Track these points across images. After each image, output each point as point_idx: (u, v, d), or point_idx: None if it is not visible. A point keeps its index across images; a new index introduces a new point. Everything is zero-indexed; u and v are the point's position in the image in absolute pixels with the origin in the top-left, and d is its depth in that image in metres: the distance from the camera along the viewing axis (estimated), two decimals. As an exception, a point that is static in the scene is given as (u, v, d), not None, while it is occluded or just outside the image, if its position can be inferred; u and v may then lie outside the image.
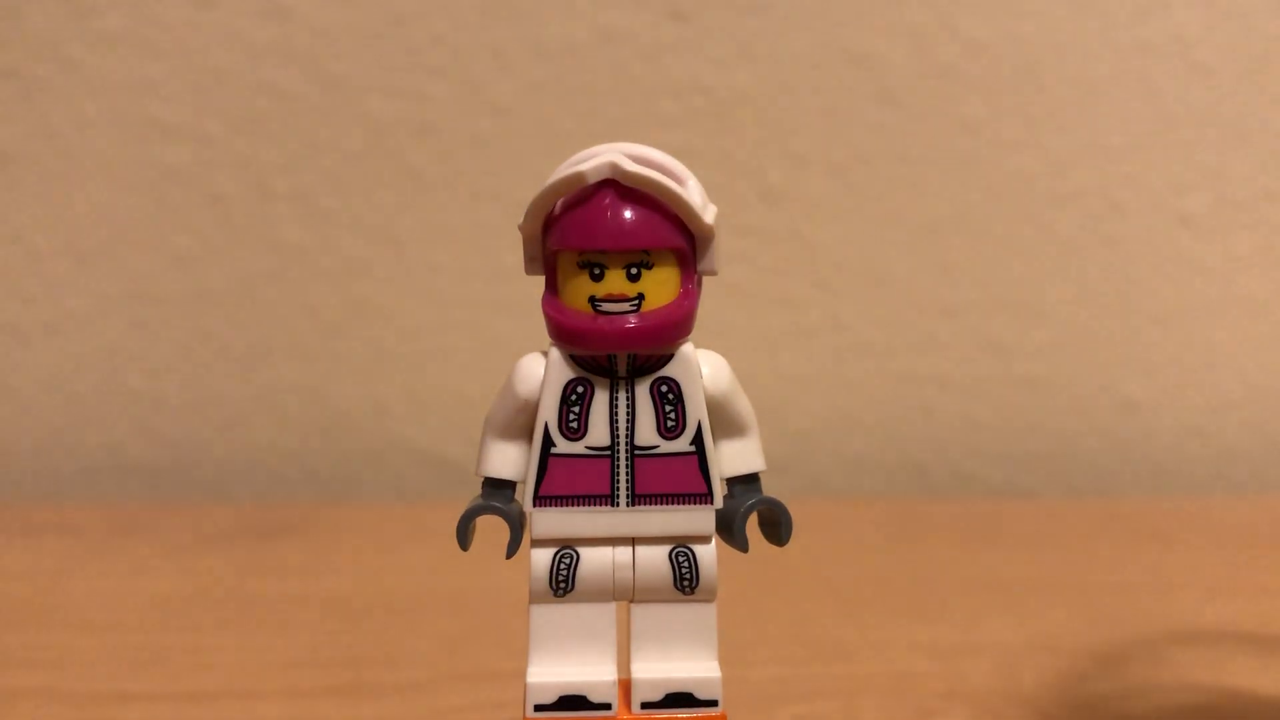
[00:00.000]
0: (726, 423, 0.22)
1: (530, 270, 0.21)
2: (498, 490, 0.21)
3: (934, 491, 0.63)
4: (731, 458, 0.22)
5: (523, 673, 0.24)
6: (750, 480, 0.22)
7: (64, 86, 0.58)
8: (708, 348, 0.22)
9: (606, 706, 0.21)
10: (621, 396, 0.21)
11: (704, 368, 0.21)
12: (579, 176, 0.20)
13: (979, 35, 0.60)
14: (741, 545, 0.22)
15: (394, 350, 0.61)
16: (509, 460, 0.21)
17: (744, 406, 0.22)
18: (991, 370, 0.63)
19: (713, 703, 0.21)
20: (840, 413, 0.62)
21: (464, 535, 0.21)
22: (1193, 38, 0.61)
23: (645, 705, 0.21)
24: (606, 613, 0.22)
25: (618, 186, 0.20)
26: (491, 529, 0.22)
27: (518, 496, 0.22)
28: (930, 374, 0.62)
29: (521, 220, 0.21)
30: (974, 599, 0.44)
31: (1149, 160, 0.62)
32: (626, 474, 0.21)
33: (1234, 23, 0.61)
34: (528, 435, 0.21)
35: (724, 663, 0.22)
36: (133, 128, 0.59)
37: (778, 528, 0.22)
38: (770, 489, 0.22)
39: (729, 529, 0.22)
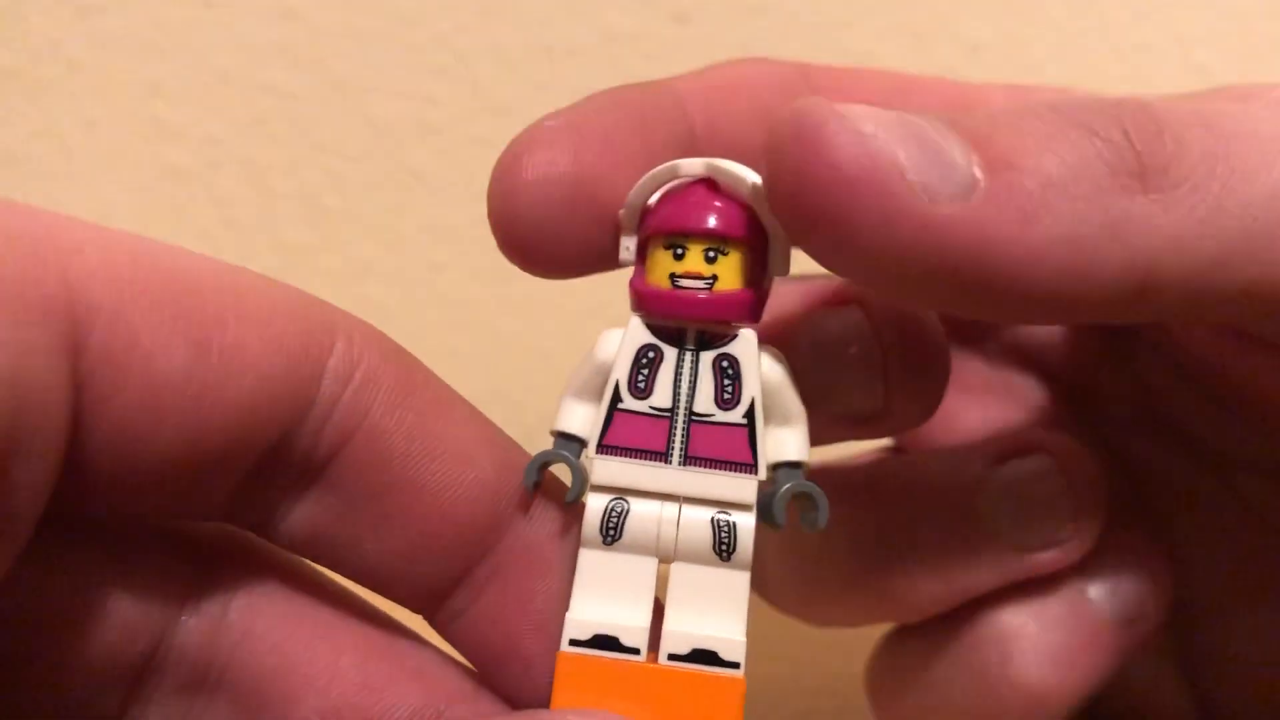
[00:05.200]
0: (777, 411, 0.23)
1: (622, 257, 0.24)
2: (567, 444, 0.23)
3: (935, 491, 0.63)
4: (778, 444, 0.24)
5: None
6: (794, 468, 0.24)
7: (67, 87, 0.58)
8: None
9: (636, 651, 0.22)
10: (686, 365, 0.23)
11: (764, 356, 0.23)
12: (673, 169, 0.23)
13: (979, 35, 0.60)
14: (778, 523, 0.23)
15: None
16: (580, 418, 0.24)
17: (794, 400, 0.24)
18: (992, 370, 0.63)
19: (735, 664, 0.22)
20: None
21: (531, 476, 0.23)
22: (1193, 38, 0.61)
23: (672, 657, 0.23)
24: (649, 567, 0.23)
25: (710, 183, 0.23)
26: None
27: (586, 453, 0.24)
28: (931, 374, 0.62)
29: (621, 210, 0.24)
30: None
31: (1149, 160, 0.62)
32: (682, 435, 0.23)
33: (1234, 23, 0.61)
34: (599, 397, 0.23)
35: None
36: (136, 128, 0.59)
37: (815, 512, 0.23)
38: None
39: (768, 508, 0.23)
